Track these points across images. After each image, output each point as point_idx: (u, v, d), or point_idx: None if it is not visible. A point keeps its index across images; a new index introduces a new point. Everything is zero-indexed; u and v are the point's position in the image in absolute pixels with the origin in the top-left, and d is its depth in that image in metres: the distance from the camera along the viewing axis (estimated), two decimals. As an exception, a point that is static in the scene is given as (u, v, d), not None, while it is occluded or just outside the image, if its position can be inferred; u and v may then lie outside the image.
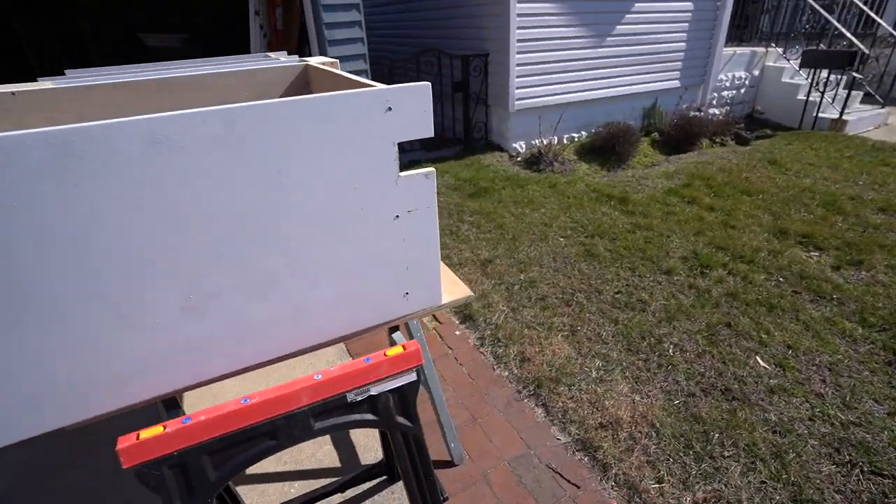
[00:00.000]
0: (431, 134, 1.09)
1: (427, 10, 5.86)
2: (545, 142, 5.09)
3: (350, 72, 4.07)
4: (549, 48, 4.96)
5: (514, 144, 5.30)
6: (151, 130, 0.84)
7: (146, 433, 1.04)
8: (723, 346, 2.41)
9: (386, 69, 4.61)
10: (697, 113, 5.83)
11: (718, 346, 2.41)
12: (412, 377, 1.23)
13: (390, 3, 6.77)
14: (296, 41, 4.60)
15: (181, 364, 1.06)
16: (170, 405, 1.64)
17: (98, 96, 1.40)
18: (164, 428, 1.05)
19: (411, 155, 5.28)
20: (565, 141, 5.50)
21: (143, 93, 1.44)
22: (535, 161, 5.01)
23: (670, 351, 2.38)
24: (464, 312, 2.84)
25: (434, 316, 2.90)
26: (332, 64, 1.67)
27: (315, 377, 1.14)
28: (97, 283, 0.91)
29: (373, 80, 4.16)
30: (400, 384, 1.22)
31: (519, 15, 4.64)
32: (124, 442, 1.02)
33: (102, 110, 1.39)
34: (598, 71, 5.39)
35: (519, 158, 5.17)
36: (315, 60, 1.70)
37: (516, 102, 5.01)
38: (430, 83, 1.04)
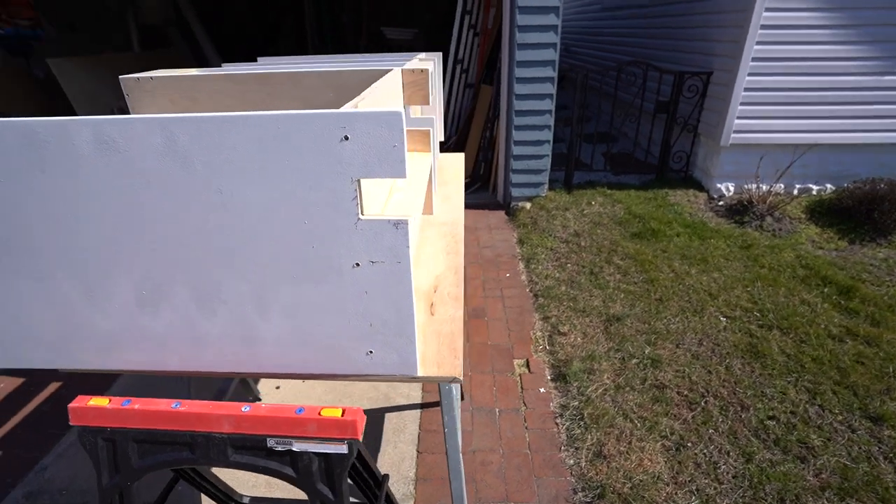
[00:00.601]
0: (403, 175, 0.86)
1: (641, 17, 5.18)
2: (763, 188, 3.99)
3: (535, 79, 3.88)
4: (799, 70, 3.81)
5: (719, 185, 4.31)
6: (99, 131, 0.85)
7: (95, 401, 1.10)
8: (927, 574, 1.49)
9: (579, 79, 4.23)
10: None
11: (918, 571, 1.50)
12: (342, 449, 1.05)
13: (596, 8, 6.21)
14: (492, 41, 4.58)
15: (141, 350, 1.10)
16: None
17: (209, 85, 1.56)
18: (108, 402, 1.10)
19: (592, 175, 4.78)
20: (796, 192, 4.22)
21: (244, 84, 1.55)
22: (739, 210, 3.98)
23: (818, 540, 1.59)
24: (560, 369, 2.44)
25: (528, 360, 2.57)
26: (420, 71, 1.53)
27: (242, 409, 1.06)
28: (66, 257, 0.98)
29: (558, 91, 3.84)
30: (327, 451, 1.05)
31: (763, 27, 3.67)
32: (77, 402, 1.10)
33: (205, 96, 1.55)
34: (875, 107, 3.93)
35: (720, 203, 4.19)
36: (410, 64, 1.58)
37: (733, 135, 4.03)
38: (401, 110, 0.81)
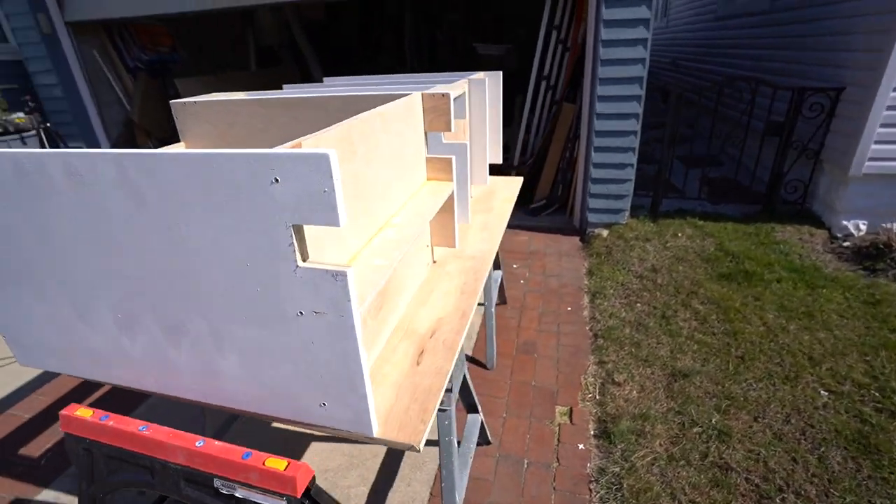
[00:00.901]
0: (338, 224, 0.77)
1: (758, 25, 4.53)
2: (908, 230, 3.24)
3: (619, 97, 3.57)
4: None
5: (846, 222, 3.59)
6: (67, 164, 0.88)
7: (81, 412, 1.16)
8: None
9: (673, 95, 3.81)
10: None
11: None
12: (281, 505, 0.98)
13: (708, 18, 5.55)
14: (579, 57, 4.32)
15: (124, 367, 1.14)
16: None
17: (243, 109, 1.61)
18: (91, 414, 1.15)
19: (684, 202, 4.29)
20: (957, 237, 3.36)
21: (273, 108, 1.58)
22: (871, 254, 3.27)
23: None
24: (607, 425, 2.16)
25: (571, 409, 2.32)
26: (441, 96, 1.43)
27: (196, 443, 1.04)
28: (58, 278, 1.04)
29: (660, 108, 3.52)
30: (268, 505, 0.99)
31: (918, 33, 2.99)
32: (68, 410, 1.17)
33: (240, 120, 1.60)
34: None
35: (845, 244, 3.48)
36: (435, 89, 1.49)
37: (869, 163, 3.34)
38: (329, 152, 0.72)
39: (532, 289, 3.40)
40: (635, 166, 3.79)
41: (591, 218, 4.06)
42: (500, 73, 2.42)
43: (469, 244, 1.88)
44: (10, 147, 4.43)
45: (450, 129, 1.47)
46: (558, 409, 2.33)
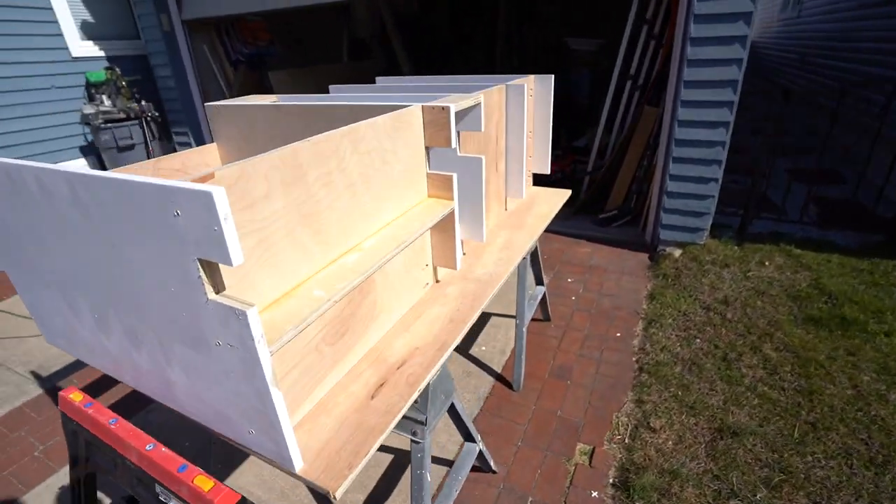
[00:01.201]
0: (230, 263, 0.73)
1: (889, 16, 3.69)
2: None
3: (707, 103, 3.15)
4: None
5: None
6: (37, 177, 0.94)
7: (74, 395, 1.27)
8: None
9: (776, 104, 3.28)
10: None
11: None
12: (202, 526, 0.98)
13: (850, 6, 4.63)
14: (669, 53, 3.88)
15: (107, 360, 1.22)
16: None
17: (264, 115, 1.65)
18: (80, 399, 1.26)
19: (782, 225, 3.71)
20: None
21: (289, 114, 1.59)
22: None
23: None
24: (629, 475, 1.95)
25: (594, 449, 2.12)
26: (441, 109, 1.34)
27: (146, 447, 1.09)
28: (51, 275, 1.14)
29: (752, 117, 3.09)
30: (192, 522, 1.00)
31: None
32: (66, 391, 1.29)
33: (261, 124, 1.65)
34: None
35: None
36: (437, 101, 1.40)
37: None
38: (213, 190, 0.68)
39: (582, 307, 3.16)
40: (720, 181, 3.34)
41: (664, 235, 3.67)
42: (551, 76, 2.24)
43: (482, 264, 1.77)
44: (130, 130, 5.05)
45: (449, 145, 1.37)
46: (579, 446, 2.14)
